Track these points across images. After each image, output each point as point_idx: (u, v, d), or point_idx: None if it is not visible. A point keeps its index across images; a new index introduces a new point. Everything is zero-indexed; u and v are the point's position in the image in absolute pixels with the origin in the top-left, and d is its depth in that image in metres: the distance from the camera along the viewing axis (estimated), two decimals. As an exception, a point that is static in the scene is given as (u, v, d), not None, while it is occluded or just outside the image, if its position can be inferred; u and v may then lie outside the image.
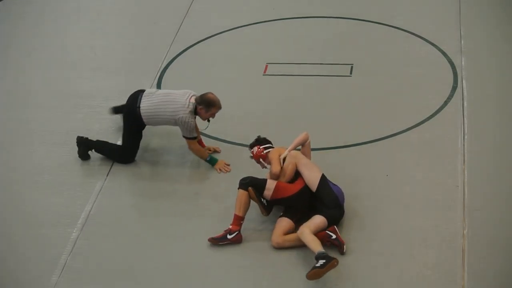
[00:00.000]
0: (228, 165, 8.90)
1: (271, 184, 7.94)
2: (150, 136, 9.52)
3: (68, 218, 8.39)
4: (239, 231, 7.88)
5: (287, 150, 8.23)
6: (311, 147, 8.62)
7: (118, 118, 9.77)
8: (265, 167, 8.32)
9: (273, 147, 8.36)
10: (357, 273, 7.47)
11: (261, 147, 8.32)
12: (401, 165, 8.64)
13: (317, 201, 7.97)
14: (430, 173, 8.51)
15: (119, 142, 9.34)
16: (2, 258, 8.01)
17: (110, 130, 9.66)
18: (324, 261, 7.26)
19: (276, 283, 7.49)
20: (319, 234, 7.67)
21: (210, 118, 8.86)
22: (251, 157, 8.40)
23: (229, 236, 7.85)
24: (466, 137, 8.98)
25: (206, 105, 8.73)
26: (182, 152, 9.24)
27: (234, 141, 9.30)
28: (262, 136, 8.50)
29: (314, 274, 7.24)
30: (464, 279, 7.28)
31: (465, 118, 9.27)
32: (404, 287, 7.33)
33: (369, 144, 9.04)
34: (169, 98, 8.78)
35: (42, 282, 7.66)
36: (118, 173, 8.97)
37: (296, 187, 8.01)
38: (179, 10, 12.21)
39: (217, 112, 8.83)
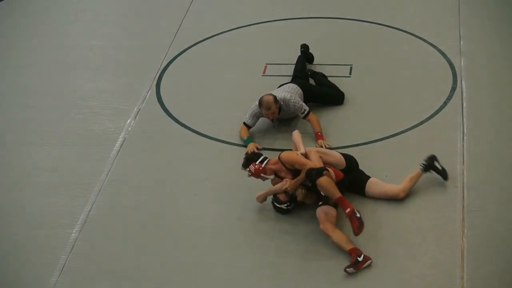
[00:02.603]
0: (258, 149, 9.05)
1: (331, 169, 8.05)
2: (151, 137, 9.53)
3: (67, 218, 8.39)
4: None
5: (302, 149, 8.26)
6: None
7: (118, 118, 9.82)
8: (267, 179, 8.25)
9: (266, 157, 8.23)
10: (356, 273, 7.48)
11: (257, 163, 8.18)
12: (400, 165, 8.64)
13: (350, 172, 8.28)
14: (429, 174, 8.50)
15: (118, 144, 9.39)
16: (1, 258, 8.02)
17: (110, 131, 9.68)
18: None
19: (276, 284, 7.50)
20: (354, 249, 7.60)
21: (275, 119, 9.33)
22: (249, 175, 8.23)
23: (358, 215, 7.67)
24: (465, 137, 8.98)
25: (258, 104, 9.16)
26: (182, 153, 9.25)
27: (233, 141, 9.30)
28: (253, 151, 8.58)
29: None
30: (463, 279, 7.29)
31: (464, 119, 9.27)
32: (404, 287, 7.33)
33: (368, 145, 9.04)
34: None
35: (42, 283, 7.66)
36: (118, 174, 8.98)
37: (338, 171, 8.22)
38: (178, 10, 12.22)
39: (265, 112, 9.14)
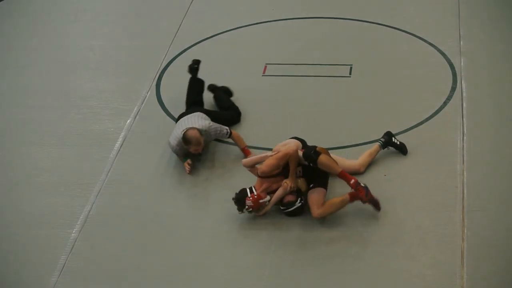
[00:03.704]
0: (190, 164, 8.80)
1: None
2: (151, 137, 9.53)
3: (67, 218, 8.39)
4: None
5: (266, 153, 8.27)
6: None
7: (118, 118, 9.83)
8: (266, 203, 8.10)
9: (250, 187, 8.11)
10: (356, 273, 7.48)
11: (249, 195, 8.03)
12: (400, 166, 8.64)
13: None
14: (429, 174, 8.52)
15: (118, 144, 9.39)
16: (1, 258, 8.02)
17: (110, 131, 9.68)
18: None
19: (277, 284, 7.50)
20: (354, 193, 7.94)
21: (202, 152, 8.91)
22: (250, 211, 8.08)
23: (363, 184, 7.93)
24: (465, 137, 8.98)
25: (184, 142, 8.75)
26: (181, 152, 9.26)
27: (232, 141, 9.30)
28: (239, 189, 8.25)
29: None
30: (463, 279, 7.29)
31: (464, 119, 9.28)
32: (404, 287, 7.34)
33: (368, 145, 9.02)
34: (182, 123, 8.97)
35: (42, 283, 7.66)
36: (118, 174, 8.98)
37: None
38: (178, 10, 12.21)
39: (195, 148, 8.72)
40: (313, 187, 8.08)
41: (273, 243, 7.89)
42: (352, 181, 7.93)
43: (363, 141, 9.07)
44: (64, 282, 7.68)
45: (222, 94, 9.87)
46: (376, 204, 7.96)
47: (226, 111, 9.64)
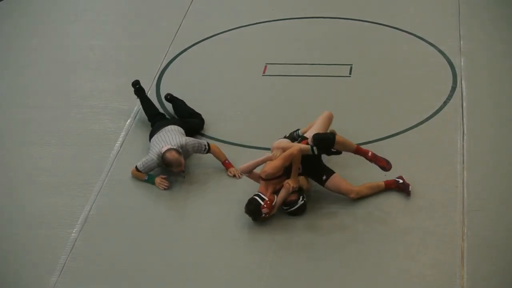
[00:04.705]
0: (165, 178, 8.71)
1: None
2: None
3: (67, 218, 8.39)
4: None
5: (267, 155, 8.23)
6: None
7: (118, 118, 9.82)
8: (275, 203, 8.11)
9: (257, 194, 8.07)
10: (356, 273, 7.48)
11: (262, 203, 7.97)
12: (400, 166, 8.63)
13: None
14: (429, 174, 8.52)
15: (118, 144, 9.38)
16: (1, 258, 8.02)
17: (110, 131, 9.68)
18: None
19: (276, 284, 7.50)
20: (389, 181, 8.24)
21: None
22: (267, 216, 8.04)
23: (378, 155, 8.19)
24: (465, 137, 8.99)
25: (164, 164, 8.68)
26: (181, 152, 9.25)
27: (232, 141, 9.30)
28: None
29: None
30: (463, 279, 7.29)
31: (464, 119, 9.28)
32: (404, 287, 7.34)
33: (368, 145, 9.02)
34: (159, 139, 8.87)
35: (42, 283, 7.66)
36: (118, 173, 8.98)
37: None
38: (178, 10, 12.21)
39: (177, 169, 8.64)
40: (327, 178, 8.17)
41: (273, 243, 7.89)
42: (370, 153, 8.13)
43: (363, 141, 9.06)
44: (64, 282, 7.68)
45: (181, 102, 9.75)
46: (388, 163, 8.17)
47: (191, 118, 9.53)
